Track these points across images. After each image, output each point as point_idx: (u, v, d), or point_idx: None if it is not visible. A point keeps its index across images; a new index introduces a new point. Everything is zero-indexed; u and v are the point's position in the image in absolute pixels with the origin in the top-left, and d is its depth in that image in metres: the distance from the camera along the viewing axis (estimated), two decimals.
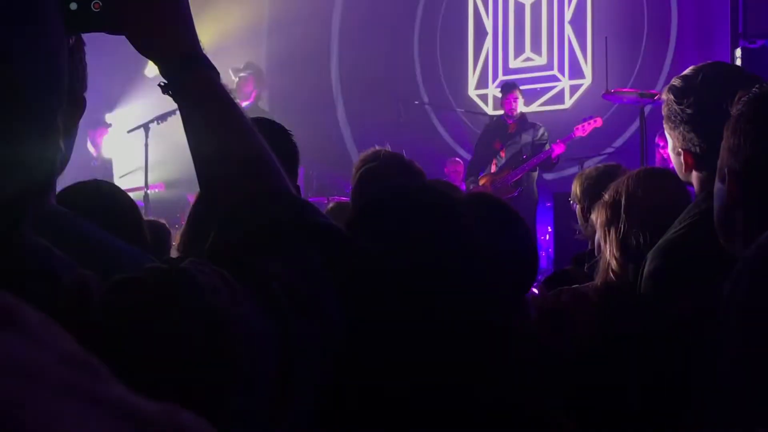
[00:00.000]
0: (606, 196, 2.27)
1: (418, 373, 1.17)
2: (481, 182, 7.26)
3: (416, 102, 8.87)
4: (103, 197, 2.04)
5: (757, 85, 1.54)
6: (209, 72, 0.98)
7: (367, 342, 1.11)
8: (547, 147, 7.18)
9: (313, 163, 9.74)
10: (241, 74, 7.09)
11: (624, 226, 2.17)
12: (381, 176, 3.05)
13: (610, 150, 7.60)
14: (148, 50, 0.98)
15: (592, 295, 2.23)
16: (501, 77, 9.36)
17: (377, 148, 3.33)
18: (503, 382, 1.23)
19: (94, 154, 8.14)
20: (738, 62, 6.01)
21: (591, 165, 6.53)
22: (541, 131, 7.34)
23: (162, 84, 0.98)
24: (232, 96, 0.99)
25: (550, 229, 7.63)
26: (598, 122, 7.14)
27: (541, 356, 1.70)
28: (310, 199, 8.27)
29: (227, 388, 0.67)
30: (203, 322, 0.67)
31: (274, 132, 2.35)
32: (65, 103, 0.71)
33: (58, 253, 0.68)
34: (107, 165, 8.44)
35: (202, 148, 0.97)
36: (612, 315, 2.09)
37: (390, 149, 3.40)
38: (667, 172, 2.45)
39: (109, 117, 9.35)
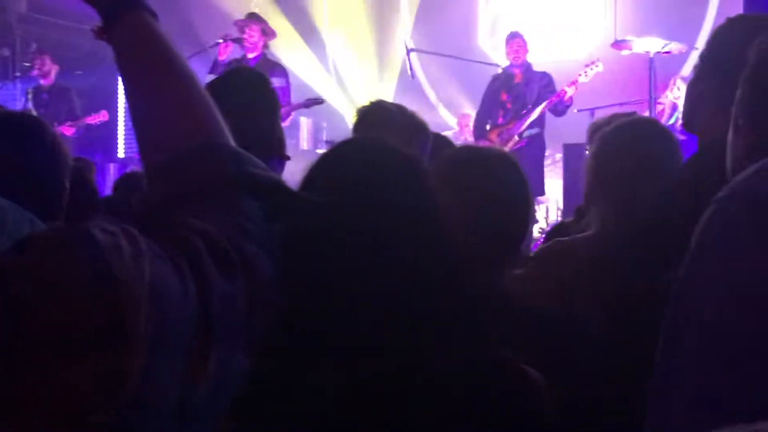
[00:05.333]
0: (594, 147, 2.25)
1: (368, 329, 1.16)
2: (489, 135, 7.19)
3: (424, 51, 8.75)
4: None
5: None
6: (146, 15, 0.95)
7: (312, 296, 1.10)
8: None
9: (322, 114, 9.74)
10: (246, 27, 6.98)
11: (611, 178, 2.15)
12: (378, 127, 3.02)
13: (624, 100, 7.49)
14: None
15: (581, 246, 2.21)
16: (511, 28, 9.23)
17: (377, 99, 3.29)
18: (460, 334, 1.21)
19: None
20: None
21: (602, 115, 6.48)
22: (547, 80, 7.24)
23: (95, 28, 0.96)
24: (171, 42, 0.96)
25: (560, 180, 7.59)
26: (600, 67, 7.02)
27: (514, 309, 1.68)
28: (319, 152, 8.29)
29: (129, 350, 0.64)
30: (99, 282, 0.64)
31: (248, 82, 2.33)
32: None
33: None
34: None
35: (136, 95, 0.94)
36: (598, 267, 2.06)
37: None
38: (652, 121, 2.41)
39: None
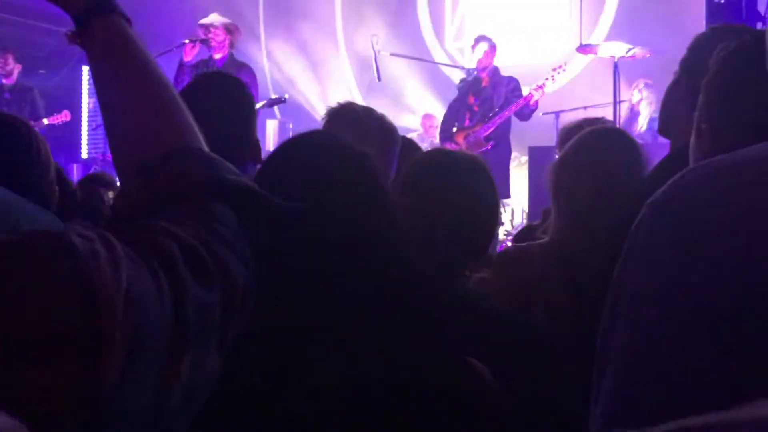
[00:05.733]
0: (560, 154, 2.27)
1: (336, 332, 1.18)
2: (456, 137, 7.23)
3: (389, 54, 8.76)
4: None
5: (730, 43, 1.53)
6: (119, 19, 0.95)
7: (283, 298, 1.11)
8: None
9: (289, 114, 9.72)
10: (211, 27, 6.95)
11: (570, 186, 2.17)
12: (346, 130, 3.02)
13: (589, 104, 7.56)
14: None
15: (536, 252, 2.23)
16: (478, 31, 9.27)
17: (346, 101, 3.30)
18: (423, 336, 1.23)
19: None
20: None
21: (568, 118, 6.55)
22: (514, 84, 7.29)
23: (68, 32, 0.96)
24: (144, 46, 0.96)
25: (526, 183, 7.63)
26: (566, 70, 7.09)
27: (475, 310, 1.70)
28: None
29: (106, 359, 0.64)
30: (77, 289, 0.64)
31: (227, 87, 2.32)
32: None
33: None
34: None
35: (109, 100, 0.94)
36: (551, 272, 2.09)
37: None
38: (615, 131, 2.44)
39: None
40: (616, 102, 5.96)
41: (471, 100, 7.30)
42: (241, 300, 0.82)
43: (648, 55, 6.28)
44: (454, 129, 7.32)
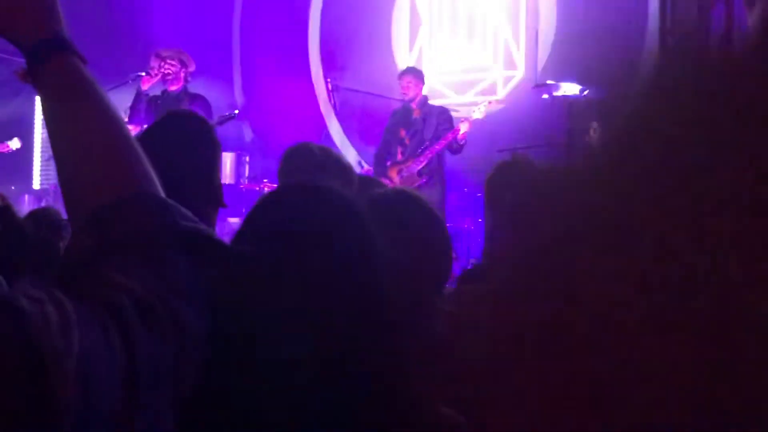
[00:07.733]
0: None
1: (298, 376, 1.16)
2: (389, 172, 7.15)
3: (329, 81, 8.76)
4: None
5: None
6: (73, 58, 0.92)
7: (242, 345, 1.09)
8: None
9: (245, 148, 9.67)
10: (167, 58, 6.91)
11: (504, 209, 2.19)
12: (303, 170, 3.01)
13: (543, 142, 7.63)
14: (5, 31, 0.93)
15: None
16: (433, 67, 9.32)
17: (303, 142, 3.29)
18: (388, 378, 1.22)
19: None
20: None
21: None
22: (445, 116, 7.22)
23: (19, 70, 0.93)
24: (99, 86, 0.94)
25: (480, 220, 7.63)
26: (490, 103, 7.23)
27: (444, 356, 1.69)
28: (242, 186, 8.18)
29: (57, 423, 0.62)
30: (25, 356, 0.62)
31: (190, 128, 2.29)
32: None
33: None
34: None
35: (61, 142, 0.91)
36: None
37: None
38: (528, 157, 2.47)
39: None
40: (570, 142, 6.03)
41: (402, 133, 7.23)
42: (196, 349, 0.80)
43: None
44: (388, 164, 7.27)
